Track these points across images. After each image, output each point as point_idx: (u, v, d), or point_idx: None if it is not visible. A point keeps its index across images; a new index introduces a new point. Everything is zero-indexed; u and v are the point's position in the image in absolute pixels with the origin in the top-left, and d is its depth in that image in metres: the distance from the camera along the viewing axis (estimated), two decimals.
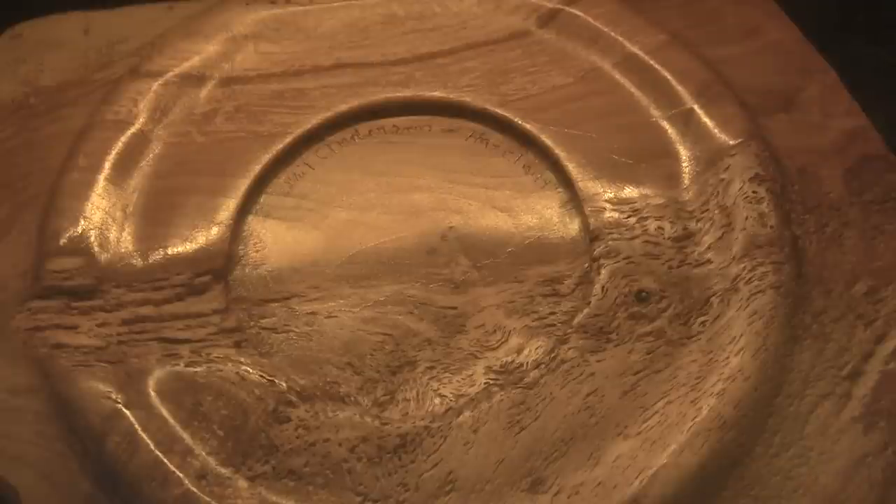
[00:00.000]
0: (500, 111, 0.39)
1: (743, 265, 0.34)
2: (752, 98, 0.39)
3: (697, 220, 0.36)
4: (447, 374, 0.34)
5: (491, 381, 0.33)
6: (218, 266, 0.35)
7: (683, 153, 0.38)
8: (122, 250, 0.36)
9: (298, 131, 0.39)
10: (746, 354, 0.32)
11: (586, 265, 0.36)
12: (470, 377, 0.33)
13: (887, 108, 0.40)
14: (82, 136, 0.38)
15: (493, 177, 0.38)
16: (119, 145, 0.38)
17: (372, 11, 0.42)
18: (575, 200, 0.37)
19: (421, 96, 0.40)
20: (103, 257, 0.36)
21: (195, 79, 0.40)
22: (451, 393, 0.33)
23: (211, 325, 0.34)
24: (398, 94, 0.40)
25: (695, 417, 0.32)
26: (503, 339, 0.34)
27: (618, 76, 0.40)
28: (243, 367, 0.33)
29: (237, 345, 0.34)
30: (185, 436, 0.32)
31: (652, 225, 0.36)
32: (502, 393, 0.33)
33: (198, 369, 0.33)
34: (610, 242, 0.35)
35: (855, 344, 0.34)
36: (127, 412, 0.32)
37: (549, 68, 0.40)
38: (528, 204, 0.37)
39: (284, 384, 0.33)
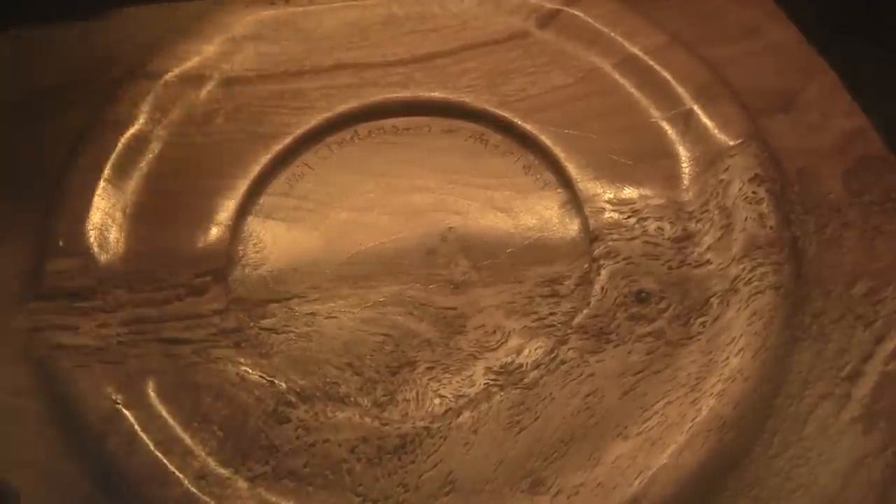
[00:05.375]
0: (499, 112, 0.39)
1: (742, 266, 0.34)
2: (752, 99, 0.39)
3: (697, 221, 0.36)
4: (447, 375, 0.34)
5: (490, 382, 0.33)
6: (218, 267, 0.35)
7: (683, 154, 0.38)
8: (122, 251, 0.36)
9: (298, 132, 0.39)
10: (746, 355, 0.32)
11: (586, 266, 0.36)
12: (469, 378, 0.33)
13: (887, 108, 0.40)
14: (82, 137, 0.38)
15: (492, 177, 0.38)
16: (119, 146, 0.38)
17: (372, 12, 0.42)
18: (575, 201, 0.37)
19: (420, 97, 0.40)
20: (103, 258, 0.36)
21: (195, 79, 0.40)
22: (450, 393, 0.33)
23: (211, 325, 0.34)
24: (398, 95, 0.40)
25: (694, 418, 0.32)
26: (503, 340, 0.34)
27: (618, 77, 0.40)
28: (243, 368, 0.33)
29: (237, 345, 0.34)
30: (185, 436, 0.32)
31: (652, 225, 0.36)
32: (502, 393, 0.33)
33: (197, 370, 0.33)
34: (610, 243, 0.35)
35: (854, 345, 0.34)
36: (127, 413, 0.32)
37: (548, 69, 0.40)
38: (528, 204, 0.37)
39: (284, 385, 0.33)
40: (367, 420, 0.32)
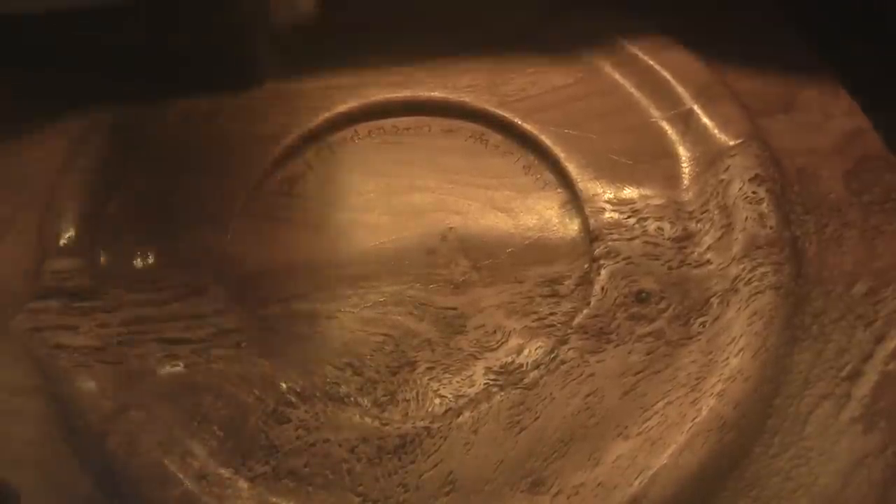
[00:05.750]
0: (499, 112, 0.39)
1: (743, 266, 0.34)
2: (752, 99, 0.39)
3: (697, 221, 0.36)
4: (447, 375, 0.34)
5: (491, 382, 0.33)
6: (218, 266, 0.35)
7: (683, 154, 0.38)
8: (122, 251, 0.36)
9: (298, 132, 0.39)
10: (746, 355, 0.32)
11: (586, 266, 0.36)
12: (470, 378, 0.33)
13: (887, 108, 0.40)
14: (83, 137, 0.38)
15: (492, 177, 0.38)
16: (119, 146, 0.38)
17: None
18: (575, 201, 0.37)
19: (421, 97, 0.40)
20: (103, 258, 0.36)
21: None
22: (450, 393, 0.33)
23: (211, 325, 0.34)
24: (398, 95, 0.40)
25: (695, 418, 0.31)
26: (503, 340, 0.34)
27: (618, 77, 0.40)
28: (243, 368, 0.33)
29: (237, 345, 0.34)
30: (185, 436, 0.32)
31: (652, 225, 0.36)
32: (502, 393, 0.33)
33: (198, 370, 0.33)
34: (610, 243, 0.35)
35: (854, 344, 0.34)
36: (127, 412, 0.32)
37: (548, 69, 0.40)
38: (528, 204, 0.37)
39: (284, 385, 0.33)
40: (368, 420, 0.32)
